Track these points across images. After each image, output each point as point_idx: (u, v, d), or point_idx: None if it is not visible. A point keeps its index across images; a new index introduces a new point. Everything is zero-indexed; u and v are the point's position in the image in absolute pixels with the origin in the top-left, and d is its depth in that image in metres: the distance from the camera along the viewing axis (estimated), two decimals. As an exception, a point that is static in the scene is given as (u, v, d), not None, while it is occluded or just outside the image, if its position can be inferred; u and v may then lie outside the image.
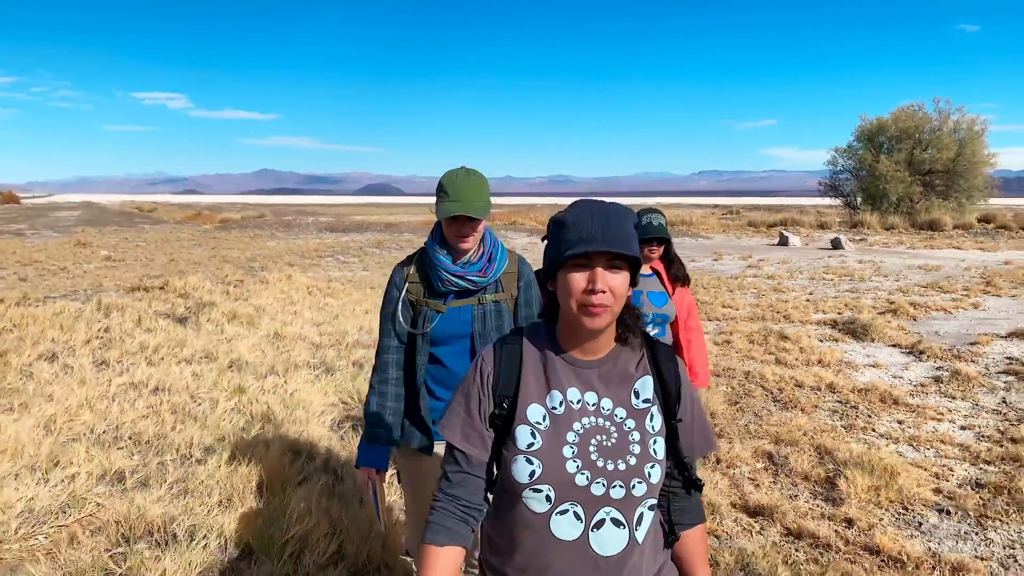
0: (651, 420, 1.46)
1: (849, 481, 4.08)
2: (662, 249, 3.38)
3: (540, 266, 1.79)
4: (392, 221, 35.71)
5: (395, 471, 2.58)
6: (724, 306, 10.92)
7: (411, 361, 2.34)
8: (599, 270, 1.36)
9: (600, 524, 1.40)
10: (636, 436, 1.43)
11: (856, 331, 8.75)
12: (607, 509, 1.40)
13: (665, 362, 1.51)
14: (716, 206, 65.40)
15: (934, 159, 35.50)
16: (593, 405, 1.44)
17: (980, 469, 4.45)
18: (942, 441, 4.93)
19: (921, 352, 7.74)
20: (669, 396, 1.49)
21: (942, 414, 5.58)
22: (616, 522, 1.40)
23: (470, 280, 2.26)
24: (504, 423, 1.44)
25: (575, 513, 1.39)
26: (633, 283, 1.42)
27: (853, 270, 16.03)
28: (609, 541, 1.40)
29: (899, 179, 35.03)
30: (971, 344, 8.21)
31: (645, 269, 3.34)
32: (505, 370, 1.47)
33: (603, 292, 1.35)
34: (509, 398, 1.44)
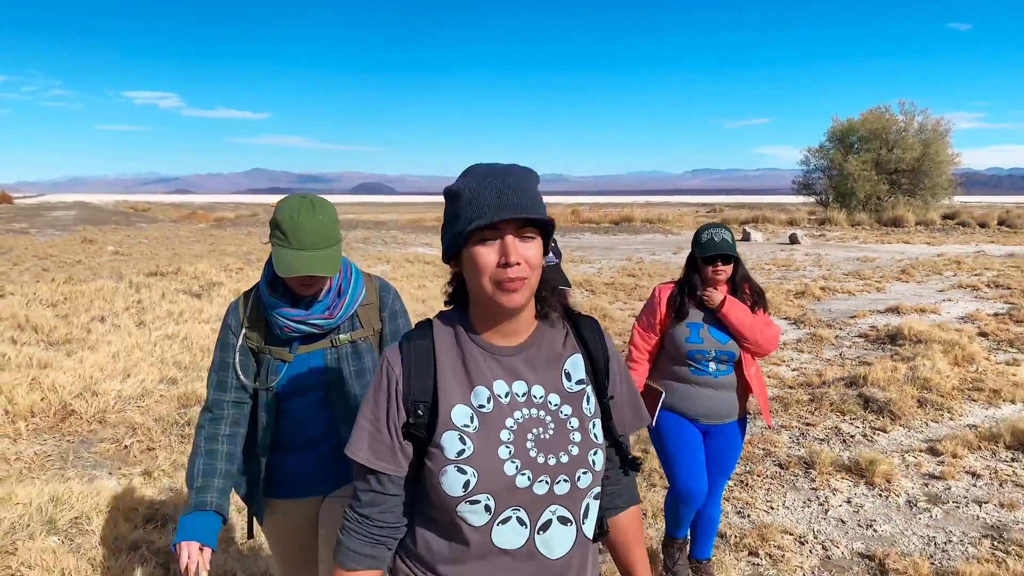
0: (587, 402, 1.33)
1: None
2: (730, 269, 2.83)
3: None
4: (380, 219, 37.32)
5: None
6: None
7: (253, 418, 1.96)
8: (510, 239, 1.20)
9: (547, 526, 1.27)
10: (575, 423, 1.30)
11: (757, 307, 10.49)
12: (553, 508, 1.26)
13: (591, 335, 1.38)
14: (704, 204, 67.11)
15: (900, 159, 37.32)
16: (523, 395, 1.29)
17: (784, 391, 6.15)
18: (771, 376, 6.63)
19: (801, 322, 9.46)
20: (599, 373, 1.36)
21: (784, 361, 7.29)
22: (563, 520, 1.28)
23: (313, 324, 1.87)
24: (425, 432, 1.26)
25: (518, 519, 1.25)
26: (546, 251, 1.27)
27: (794, 262, 17.74)
28: (557, 542, 1.27)
29: (866, 178, 36.87)
30: (850, 317, 9.92)
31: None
32: (416, 372, 1.28)
33: (518, 264, 1.19)
34: (425, 403, 1.26)
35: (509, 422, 1.26)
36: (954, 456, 4.55)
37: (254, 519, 2.06)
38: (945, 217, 34.90)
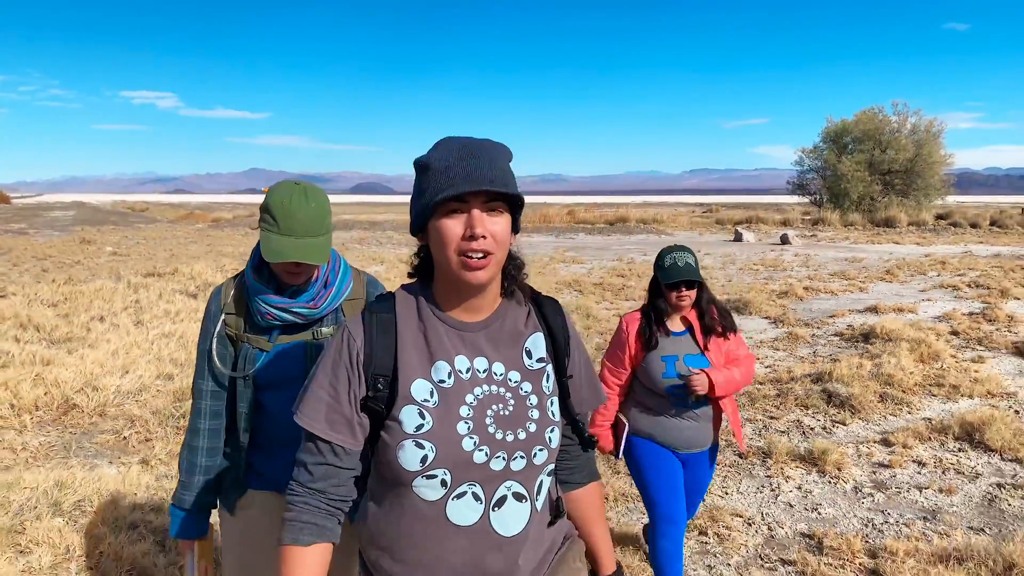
0: (547, 380, 1.35)
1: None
2: (694, 294, 2.80)
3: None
4: (377, 219, 37.59)
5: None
6: (644, 289, 12.95)
7: (232, 408, 1.93)
8: (476, 212, 1.19)
9: (501, 501, 1.27)
10: (534, 400, 1.31)
11: (739, 307, 10.75)
12: (508, 484, 1.27)
13: (553, 315, 1.39)
14: (701, 204, 67.44)
15: (893, 159, 37.65)
16: (484, 372, 1.29)
17: (754, 387, 6.44)
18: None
19: (780, 321, 9.75)
20: (560, 352, 1.37)
21: (758, 359, 7.57)
22: (518, 496, 1.28)
23: (296, 313, 1.83)
24: (383, 406, 1.25)
25: (473, 494, 1.25)
26: (515, 228, 1.27)
27: (782, 262, 18.04)
28: (511, 518, 1.28)
29: (859, 179, 37.20)
30: (829, 316, 10.20)
31: (676, 325, 2.85)
32: (379, 344, 1.26)
33: (484, 238, 1.18)
34: (385, 377, 1.25)
35: (469, 398, 1.26)
36: (904, 447, 4.84)
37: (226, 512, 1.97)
38: (938, 217, 35.22)
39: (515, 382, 1.30)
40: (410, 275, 1.35)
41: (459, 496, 1.25)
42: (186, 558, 1.95)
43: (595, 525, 1.50)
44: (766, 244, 24.39)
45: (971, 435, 4.96)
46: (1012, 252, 20.40)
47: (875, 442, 5.01)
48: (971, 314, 10.10)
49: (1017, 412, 5.69)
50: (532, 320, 1.37)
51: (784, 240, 24.62)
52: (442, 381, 1.26)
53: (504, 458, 1.26)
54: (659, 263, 2.84)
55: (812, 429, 5.31)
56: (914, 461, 4.65)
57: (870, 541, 3.56)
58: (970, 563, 3.13)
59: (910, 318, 9.84)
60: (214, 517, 1.98)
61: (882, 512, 3.92)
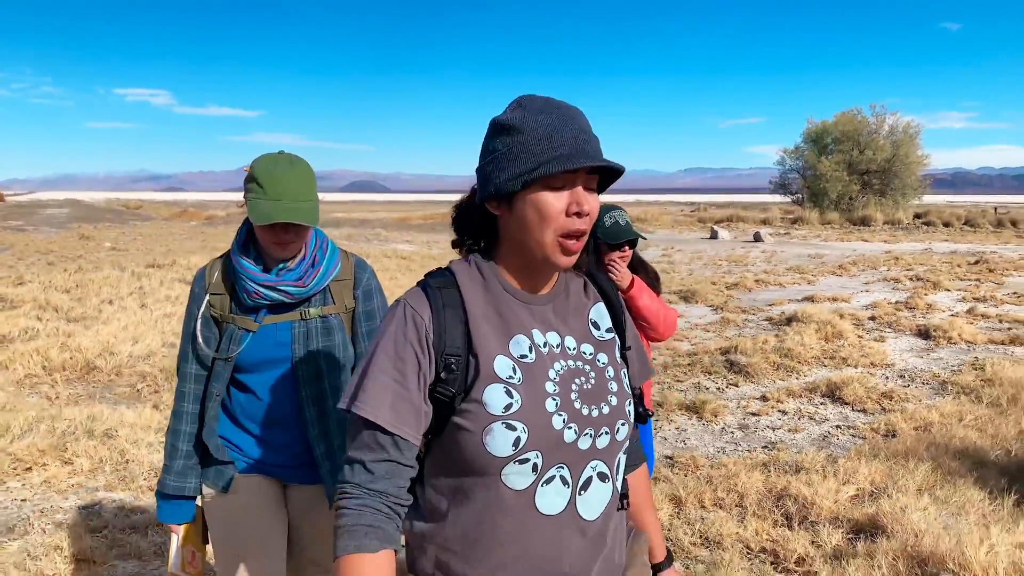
0: (618, 351, 1.28)
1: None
2: (631, 254, 2.78)
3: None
4: (367, 218, 38.57)
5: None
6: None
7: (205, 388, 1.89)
8: (581, 189, 1.11)
9: (587, 484, 1.17)
10: (611, 372, 1.23)
11: (687, 296, 11.83)
12: (593, 463, 1.18)
13: (607, 284, 1.33)
14: (693, 203, 68.43)
15: (871, 160, 38.82)
16: (558, 346, 1.20)
17: (675, 359, 7.50)
18: (669, 349, 7.99)
19: (721, 308, 10.83)
20: (620, 323, 1.31)
21: (688, 338, 8.64)
22: (602, 476, 1.19)
23: (283, 291, 1.79)
24: (456, 390, 1.12)
25: (561, 478, 1.15)
26: None
27: (747, 258, 19.12)
28: (595, 501, 1.18)
29: (838, 178, 38.37)
30: (769, 304, 11.28)
31: None
32: (448, 319, 1.14)
33: (587, 215, 1.12)
34: (458, 356, 1.12)
35: (552, 373, 1.17)
36: (777, 401, 5.92)
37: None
38: (917, 216, 36.33)
39: (590, 355, 1.23)
40: (468, 248, 1.25)
41: (548, 481, 1.14)
42: (171, 542, 1.92)
43: (646, 512, 1.43)
44: (739, 242, 25.46)
45: (833, 393, 6.05)
46: (969, 249, 21.51)
47: (755, 398, 6.08)
48: (896, 302, 11.19)
49: (887, 377, 6.78)
50: (591, 290, 1.31)
51: (757, 238, 25.69)
52: (523, 356, 1.16)
53: (591, 435, 1.17)
54: (597, 224, 2.72)
55: (708, 389, 6.39)
56: (780, 411, 5.73)
57: (711, 459, 4.63)
58: (773, 467, 4.20)
59: (841, 306, 10.92)
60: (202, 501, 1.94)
61: (735, 444, 5.00)
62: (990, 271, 15.47)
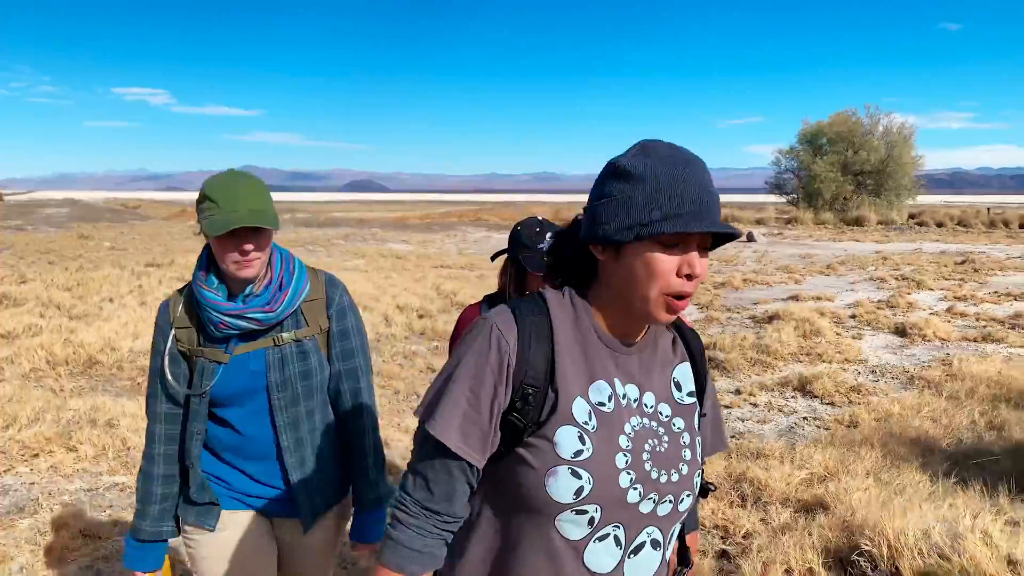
0: (697, 418, 1.23)
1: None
2: None
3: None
4: (366, 217, 38.84)
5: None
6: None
7: (183, 429, 1.81)
8: (696, 254, 1.08)
9: (639, 548, 1.14)
10: (686, 439, 1.19)
11: (674, 294, 12.12)
12: (650, 529, 1.14)
13: (696, 343, 1.27)
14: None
15: (865, 160, 39.12)
16: (636, 401, 1.16)
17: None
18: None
19: (707, 307, 11.10)
20: (701, 386, 1.25)
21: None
22: (655, 543, 1.16)
23: (252, 319, 1.71)
24: (529, 422, 1.10)
25: (615, 537, 1.12)
26: None
27: (737, 257, 19.38)
28: (644, 567, 1.15)
29: (832, 179, 38.67)
30: (754, 303, 11.56)
31: None
32: (534, 348, 1.10)
33: (697, 278, 1.08)
34: (536, 389, 1.09)
35: (627, 428, 1.13)
36: (750, 394, 6.19)
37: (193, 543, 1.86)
38: (911, 217, 36.60)
39: (666, 416, 1.18)
40: (547, 274, 1.24)
41: (602, 538, 1.11)
42: None
43: None
44: (733, 241, 25.76)
45: (804, 387, 6.31)
46: (957, 249, 21.78)
47: (729, 392, 6.35)
48: (878, 301, 11.46)
49: (859, 373, 7.05)
50: (680, 348, 1.25)
51: (750, 238, 25.94)
52: (601, 404, 1.12)
53: (654, 500, 1.13)
54: None
55: (685, 383, 6.65)
56: (751, 404, 5.99)
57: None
58: (736, 454, 4.47)
59: (824, 305, 11.18)
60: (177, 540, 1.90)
61: (705, 433, 5.26)
62: (975, 271, 15.74)
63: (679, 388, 1.22)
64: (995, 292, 12.39)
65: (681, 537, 1.32)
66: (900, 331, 9.06)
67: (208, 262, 1.76)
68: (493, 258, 2.30)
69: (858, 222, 34.84)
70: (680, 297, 1.08)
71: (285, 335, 1.78)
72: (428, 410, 1.12)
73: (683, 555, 1.32)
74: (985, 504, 3.15)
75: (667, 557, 1.21)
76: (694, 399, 1.23)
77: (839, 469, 3.97)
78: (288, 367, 1.77)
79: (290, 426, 1.80)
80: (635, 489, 1.11)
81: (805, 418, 5.61)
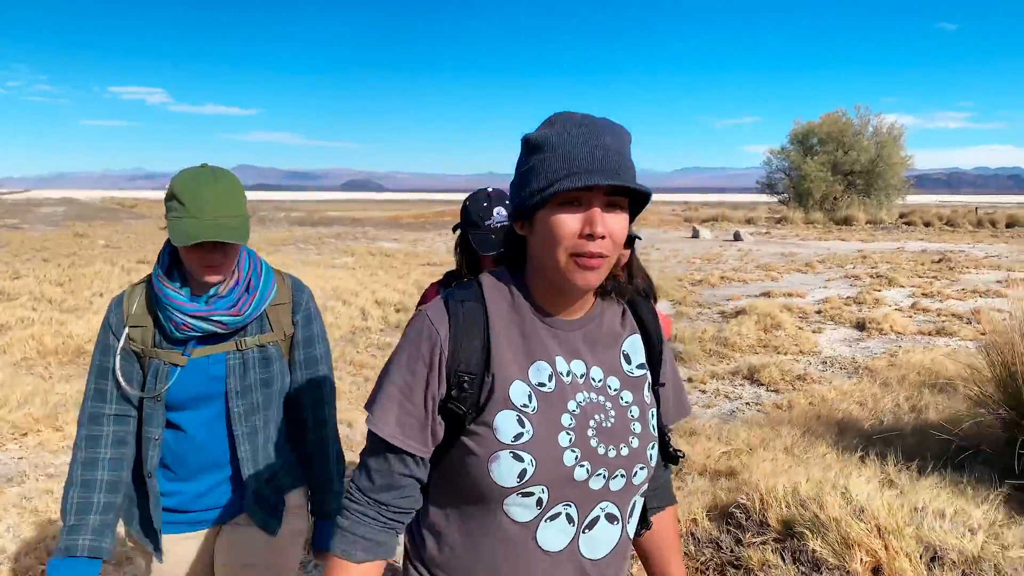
0: (647, 390, 1.23)
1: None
2: (630, 254, 2.62)
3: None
4: (358, 216, 39.19)
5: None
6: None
7: (140, 432, 1.70)
8: (597, 210, 1.07)
9: (593, 523, 1.15)
10: (635, 411, 1.19)
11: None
12: (603, 504, 1.15)
13: (648, 316, 1.27)
14: (687, 203, 69.02)
15: (855, 160, 39.50)
16: (583, 377, 1.16)
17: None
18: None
19: (679, 303, 11.48)
20: (655, 358, 1.25)
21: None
22: (611, 518, 1.17)
23: (216, 322, 1.63)
24: (467, 409, 1.11)
25: (567, 516, 1.13)
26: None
27: (721, 256, 19.74)
28: (601, 541, 1.17)
29: (822, 179, 39.06)
30: (727, 299, 11.93)
31: None
32: (467, 337, 1.12)
33: (603, 238, 1.06)
34: (472, 376, 1.11)
35: (571, 405, 1.14)
36: (701, 382, 6.57)
37: (153, 559, 1.76)
38: (901, 216, 36.94)
39: (615, 390, 1.19)
40: (495, 262, 1.24)
41: (552, 518, 1.13)
42: None
43: (672, 556, 1.37)
44: (719, 241, 26.06)
45: (752, 375, 6.70)
46: (938, 248, 22.14)
47: (682, 380, 6.72)
48: (847, 298, 11.84)
49: (810, 363, 7.42)
50: (629, 321, 1.25)
51: (737, 237, 26.28)
52: (542, 384, 1.14)
53: (604, 476, 1.14)
54: None
55: (642, 372, 7.03)
56: (700, 391, 6.37)
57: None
58: (672, 433, 4.84)
59: (794, 301, 11.55)
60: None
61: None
62: (950, 269, 16.12)
63: (628, 361, 1.23)
64: (963, 289, 12.76)
65: (644, 509, 1.30)
66: (860, 325, 9.44)
67: (171, 259, 1.67)
68: (454, 230, 2.16)
69: (847, 221, 35.18)
70: (587, 257, 1.08)
71: (249, 339, 1.71)
72: (369, 403, 1.16)
73: (644, 519, 1.30)
74: (870, 472, 3.52)
75: (629, 531, 1.23)
76: (644, 371, 1.24)
77: (759, 445, 4.35)
78: (249, 373, 1.71)
79: (248, 435, 1.74)
80: (582, 466, 1.13)
81: (748, 403, 5.99)
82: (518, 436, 1.10)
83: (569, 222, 1.07)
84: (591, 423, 1.14)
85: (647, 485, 1.22)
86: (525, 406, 1.11)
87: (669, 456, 1.31)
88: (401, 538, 1.23)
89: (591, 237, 1.06)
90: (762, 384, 6.53)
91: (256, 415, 1.74)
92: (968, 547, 2.46)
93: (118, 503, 1.68)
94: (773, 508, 2.85)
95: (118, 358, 1.65)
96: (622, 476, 1.15)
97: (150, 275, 1.70)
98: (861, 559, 2.45)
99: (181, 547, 1.77)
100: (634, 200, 1.13)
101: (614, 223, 1.08)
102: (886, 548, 2.46)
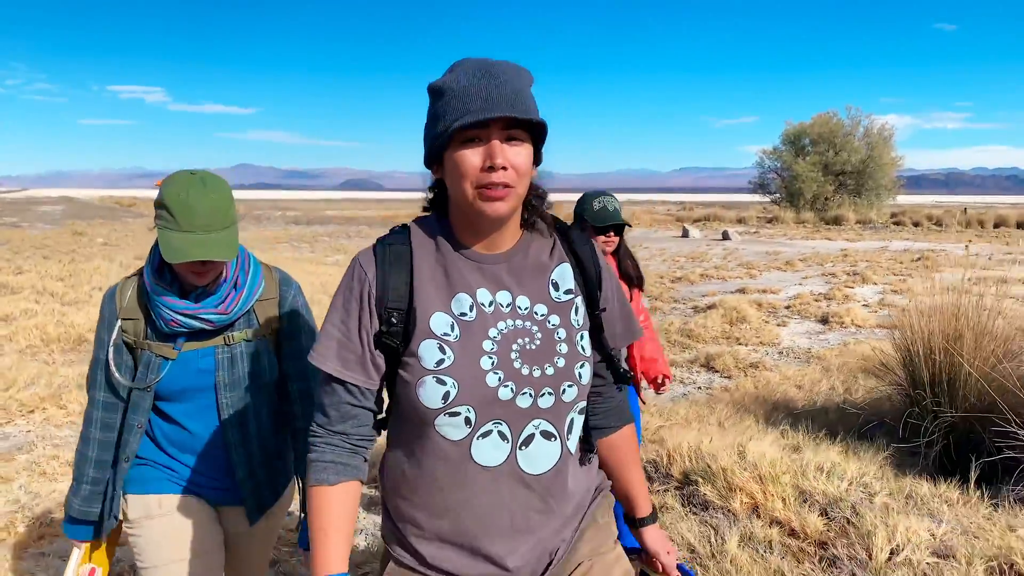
0: (575, 313, 1.29)
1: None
2: (618, 241, 2.80)
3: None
4: (352, 216, 39.64)
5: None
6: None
7: (123, 420, 1.79)
8: (496, 143, 1.14)
9: (529, 440, 1.24)
10: (562, 333, 1.26)
11: (628, 287, 12.97)
12: (536, 422, 1.24)
13: (581, 245, 1.34)
14: (684, 203, 69.31)
15: (845, 161, 39.91)
16: (508, 306, 1.25)
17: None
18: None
19: (655, 298, 11.94)
20: (590, 283, 1.32)
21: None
22: (546, 434, 1.25)
23: (204, 319, 1.70)
24: (399, 342, 1.21)
25: (499, 433, 1.22)
26: (537, 161, 1.23)
27: (706, 255, 20.16)
28: (540, 457, 1.25)
29: (813, 179, 39.48)
30: (702, 296, 12.40)
31: None
32: (392, 276, 1.22)
33: (504, 169, 1.14)
34: (400, 311, 1.21)
35: (493, 332, 1.22)
36: (660, 370, 7.03)
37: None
38: (892, 216, 37.31)
39: (541, 315, 1.26)
40: (424, 209, 1.32)
41: (484, 435, 1.22)
42: (72, 556, 1.85)
43: (630, 470, 1.47)
44: (707, 240, 26.46)
45: (708, 363, 7.17)
46: (921, 247, 22.57)
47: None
48: (818, 294, 12.30)
49: (767, 353, 7.90)
50: (558, 251, 1.33)
51: (725, 236, 26.70)
52: (463, 314, 1.22)
53: (531, 394, 1.22)
54: (585, 208, 2.80)
55: (607, 361, 7.50)
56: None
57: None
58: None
59: (767, 297, 12.00)
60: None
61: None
62: (927, 267, 16.55)
63: (556, 288, 1.30)
64: (932, 287, 13.20)
65: (588, 432, 1.37)
66: (823, 319, 9.91)
67: (161, 258, 1.70)
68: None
69: (837, 221, 35.56)
70: (491, 188, 1.15)
71: (236, 334, 1.77)
72: (315, 348, 1.25)
73: (587, 444, 1.37)
74: (781, 439, 4.00)
75: (570, 447, 1.29)
76: (572, 296, 1.30)
77: (695, 419, 4.82)
78: (237, 367, 1.77)
79: (237, 424, 1.80)
80: (506, 387, 1.21)
81: (700, 388, 6.47)
82: (440, 362, 1.20)
83: (471, 157, 1.15)
84: (514, 347, 1.23)
85: (584, 402, 1.31)
86: (446, 335, 1.21)
87: (619, 376, 1.41)
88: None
89: (492, 169, 1.14)
90: (717, 371, 7.00)
91: (245, 405, 1.80)
92: (831, 491, 2.93)
93: (105, 479, 1.81)
94: (677, 462, 3.31)
95: (111, 350, 1.73)
96: (549, 394, 1.24)
97: (142, 268, 1.77)
98: (741, 500, 2.92)
99: (180, 503, 1.82)
100: (538, 135, 1.21)
101: (514, 155, 1.16)
102: (764, 493, 2.93)
